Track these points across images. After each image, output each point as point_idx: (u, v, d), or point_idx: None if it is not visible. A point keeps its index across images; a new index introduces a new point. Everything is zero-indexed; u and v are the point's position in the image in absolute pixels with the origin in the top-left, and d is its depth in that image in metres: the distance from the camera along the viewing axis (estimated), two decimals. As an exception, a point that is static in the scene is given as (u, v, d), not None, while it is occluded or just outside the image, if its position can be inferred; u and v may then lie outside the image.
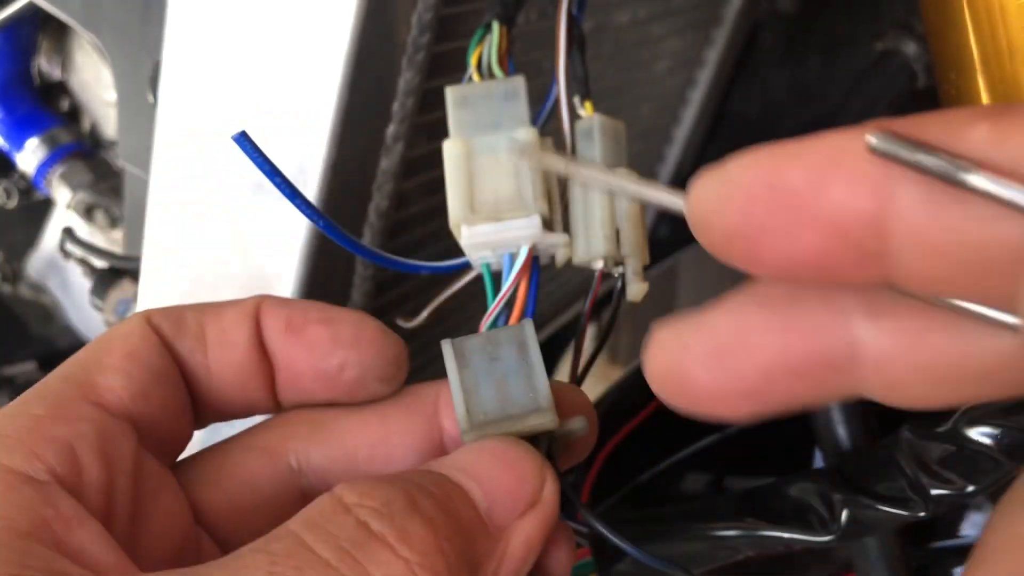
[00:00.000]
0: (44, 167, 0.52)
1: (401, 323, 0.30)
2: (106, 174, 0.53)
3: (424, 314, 0.30)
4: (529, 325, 0.23)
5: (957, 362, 0.15)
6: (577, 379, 0.28)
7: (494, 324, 0.27)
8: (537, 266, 0.27)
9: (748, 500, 0.29)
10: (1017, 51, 0.32)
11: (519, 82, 0.27)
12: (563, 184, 0.27)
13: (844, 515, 0.27)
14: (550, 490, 0.21)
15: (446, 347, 0.23)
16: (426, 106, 0.34)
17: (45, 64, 0.52)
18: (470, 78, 0.27)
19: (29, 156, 0.53)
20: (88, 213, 0.52)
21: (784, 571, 0.36)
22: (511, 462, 0.21)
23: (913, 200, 0.14)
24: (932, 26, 0.36)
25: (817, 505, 0.27)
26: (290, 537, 0.18)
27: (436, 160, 0.37)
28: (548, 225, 0.26)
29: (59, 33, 0.52)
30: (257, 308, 0.24)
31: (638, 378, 0.45)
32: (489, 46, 0.27)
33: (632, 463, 0.39)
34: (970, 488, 0.25)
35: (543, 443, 0.23)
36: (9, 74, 0.52)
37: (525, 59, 0.38)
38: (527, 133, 0.26)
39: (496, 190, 0.26)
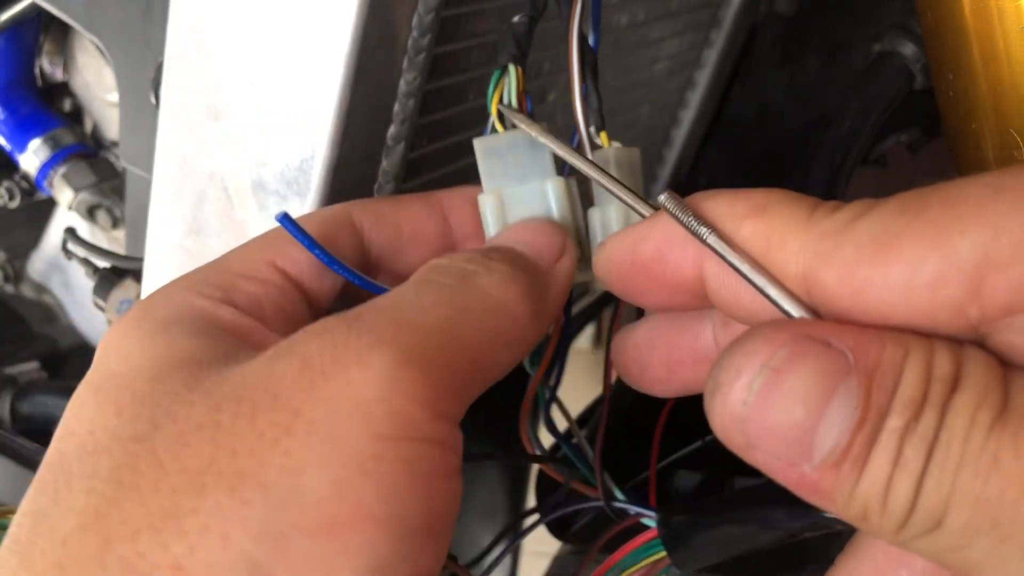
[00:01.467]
0: (46, 168, 0.53)
1: None
2: (108, 175, 0.53)
3: None
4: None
5: None
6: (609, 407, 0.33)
7: (538, 351, 0.30)
8: (571, 298, 0.30)
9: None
10: (1014, 52, 0.33)
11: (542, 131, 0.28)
12: (584, 213, 0.30)
13: None
14: (570, 242, 0.28)
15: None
16: (427, 108, 0.34)
17: (47, 65, 0.53)
18: (493, 127, 0.29)
19: (31, 157, 0.53)
20: (90, 213, 0.52)
21: (783, 568, 0.37)
22: (540, 227, 0.28)
23: (713, 269, 0.21)
24: (930, 28, 0.36)
25: None
26: (415, 278, 0.25)
27: (437, 161, 0.38)
28: (579, 260, 0.29)
29: (61, 34, 0.52)
30: (440, 202, 0.31)
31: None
32: (508, 90, 0.28)
33: (630, 464, 0.39)
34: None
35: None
36: (12, 75, 0.52)
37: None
38: (554, 184, 0.29)
39: None
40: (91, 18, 0.41)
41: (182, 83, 0.34)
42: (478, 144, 0.28)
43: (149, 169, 0.38)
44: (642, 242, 0.22)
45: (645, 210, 0.24)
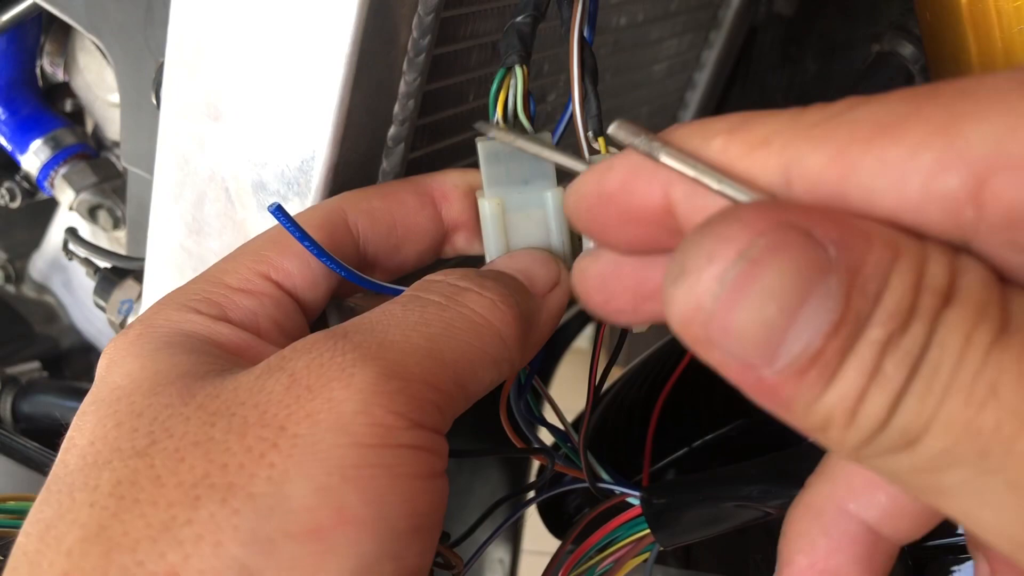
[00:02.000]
0: (47, 168, 0.53)
1: None
2: (109, 175, 0.53)
3: None
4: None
5: None
6: (595, 394, 0.32)
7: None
8: None
9: (771, 464, 0.32)
10: (1013, 52, 0.33)
11: (546, 139, 0.28)
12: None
13: None
14: (565, 274, 0.29)
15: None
16: (427, 108, 0.34)
17: (48, 66, 0.53)
18: (497, 125, 0.29)
19: (33, 157, 0.53)
20: (91, 214, 0.52)
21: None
22: (537, 258, 0.29)
23: (680, 192, 0.19)
24: (928, 28, 0.36)
25: None
26: (406, 295, 0.26)
27: (437, 162, 0.38)
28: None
29: (62, 35, 0.52)
30: (431, 190, 0.31)
31: (635, 380, 0.45)
32: (514, 91, 0.28)
33: (626, 465, 0.40)
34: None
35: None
36: (13, 76, 0.52)
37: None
38: (554, 195, 0.29)
39: (528, 243, 0.29)
40: (92, 19, 0.41)
41: (182, 84, 0.34)
42: (482, 147, 0.29)
43: (150, 169, 0.38)
44: (608, 172, 0.21)
45: None
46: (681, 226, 0.20)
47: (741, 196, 0.17)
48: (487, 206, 0.29)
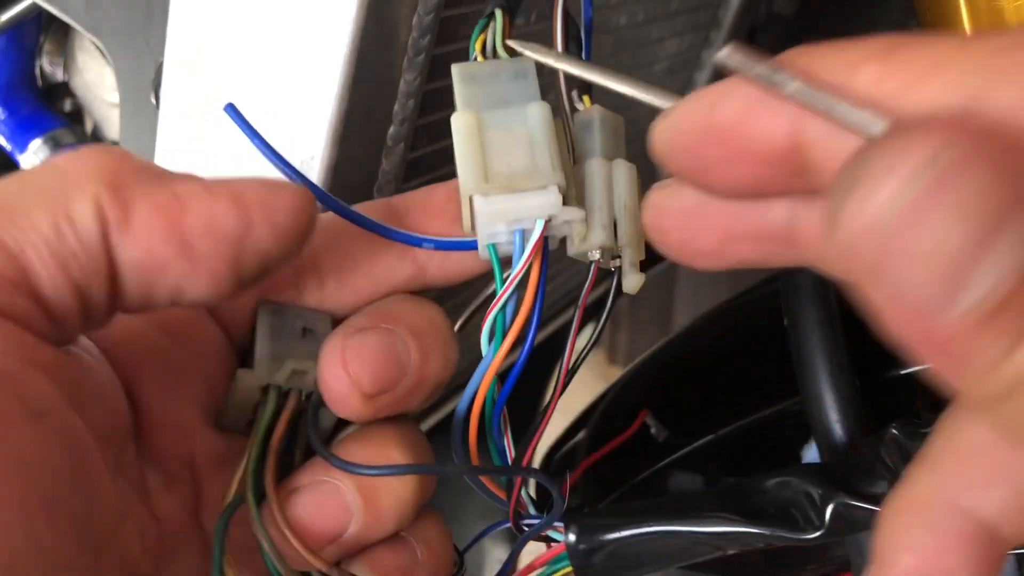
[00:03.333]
0: (47, 168, 0.53)
1: None
2: (108, 175, 0.53)
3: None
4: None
5: None
6: (570, 370, 0.28)
7: (503, 310, 0.25)
8: (547, 250, 0.26)
9: (729, 496, 0.28)
10: (1013, 53, 0.33)
11: (529, 62, 0.26)
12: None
13: (828, 513, 0.26)
14: (307, 194, 0.24)
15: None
16: (426, 108, 0.34)
17: (48, 65, 0.53)
18: (475, 60, 0.27)
19: (32, 157, 0.53)
20: (90, 214, 0.52)
21: (779, 568, 0.36)
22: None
23: (816, 130, 0.16)
24: (929, 28, 0.36)
25: (801, 502, 0.26)
26: None
27: (437, 162, 0.38)
28: (564, 198, 0.25)
29: (62, 34, 0.52)
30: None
31: (636, 380, 0.45)
32: (493, 33, 0.27)
33: (627, 464, 0.39)
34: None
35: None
36: (12, 75, 0.52)
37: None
38: (540, 108, 0.25)
39: (510, 163, 0.25)
40: (91, 18, 0.41)
41: (182, 84, 0.34)
42: (457, 69, 0.26)
43: (149, 169, 0.38)
44: (722, 101, 0.17)
45: (668, 102, 0.20)
46: (814, 167, 0.17)
47: None
48: (460, 119, 0.25)
